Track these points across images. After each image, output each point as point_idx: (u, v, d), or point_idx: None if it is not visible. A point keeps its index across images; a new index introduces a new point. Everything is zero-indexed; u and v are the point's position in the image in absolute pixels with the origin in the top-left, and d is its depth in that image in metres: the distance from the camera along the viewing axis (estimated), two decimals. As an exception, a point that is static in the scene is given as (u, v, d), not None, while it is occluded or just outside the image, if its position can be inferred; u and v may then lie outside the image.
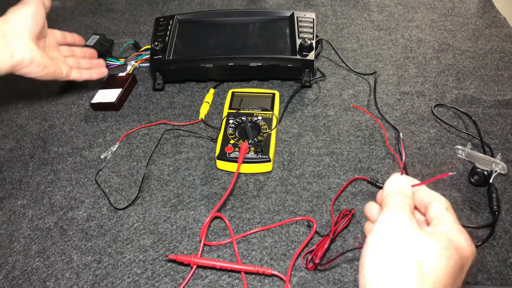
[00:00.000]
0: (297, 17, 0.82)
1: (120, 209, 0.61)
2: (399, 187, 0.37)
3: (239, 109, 0.70)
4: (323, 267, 0.53)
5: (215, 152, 0.66)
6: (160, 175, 0.65)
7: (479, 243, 0.55)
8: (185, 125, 0.73)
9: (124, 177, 0.66)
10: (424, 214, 0.38)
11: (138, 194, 0.63)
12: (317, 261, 0.52)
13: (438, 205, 0.36)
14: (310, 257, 0.53)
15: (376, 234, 0.34)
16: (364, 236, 0.36)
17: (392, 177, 0.38)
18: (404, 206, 0.35)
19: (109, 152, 0.68)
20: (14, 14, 0.61)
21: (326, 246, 0.53)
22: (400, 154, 0.66)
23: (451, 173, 0.55)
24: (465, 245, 0.34)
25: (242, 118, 0.68)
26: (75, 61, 0.73)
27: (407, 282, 0.30)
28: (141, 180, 0.65)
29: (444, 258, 0.32)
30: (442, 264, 0.31)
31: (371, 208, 0.40)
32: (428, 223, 0.37)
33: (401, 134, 0.69)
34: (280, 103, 0.75)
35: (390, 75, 0.81)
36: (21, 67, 0.61)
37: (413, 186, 0.38)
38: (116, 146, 0.70)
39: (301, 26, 0.81)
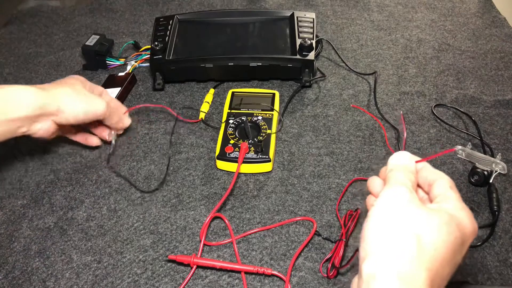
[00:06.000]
0: (297, 17, 0.82)
1: (147, 192, 0.62)
2: (402, 163, 0.38)
3: (239, 109, 0.70)
4: (344, 269, 0.52)
5: (215, 152, 0.66)
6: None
7: (479, 243, 0.55)
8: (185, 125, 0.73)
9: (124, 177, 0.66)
10: (427, 193, 0.38)
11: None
12: (337, 265, 0.51)
13: (442, 183, 0.36)
14: (329, 265, 0.52)
15: (377, 209, 0.34)
16: (366, 210, 0.36)
17: (395, 154, 0.39)
18: (406, 182, 0.35)
19: (115, 136, 0.68)
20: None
21: (342, 250, 0.53)
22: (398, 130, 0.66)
23: (455, 148, 0.54)
24: (467, 222, 0.34)
25: (242, 118, 0.68)
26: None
27: (406, 254, 0.31)
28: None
29: (444, 233, 0.32)
30: (441, 239, 0.32)
31: (374, 182, 0.41)
32: (431, 201, 0.37)
33: (401, 110, 0.69)
34: (280, 103, 0.75)
35: (390, 75, 0.81)
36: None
37: (417, 162, 0.38)
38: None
39: (301, 26, 0.81)
